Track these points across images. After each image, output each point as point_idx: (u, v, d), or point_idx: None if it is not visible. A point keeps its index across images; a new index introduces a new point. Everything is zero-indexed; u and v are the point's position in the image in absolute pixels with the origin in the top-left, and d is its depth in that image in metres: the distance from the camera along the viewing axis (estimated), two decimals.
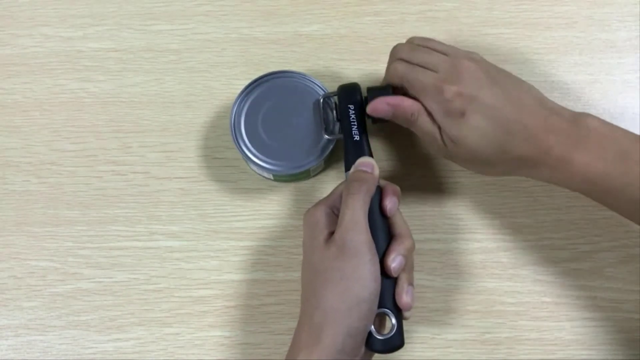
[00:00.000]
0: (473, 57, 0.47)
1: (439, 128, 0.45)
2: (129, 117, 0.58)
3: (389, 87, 0.49)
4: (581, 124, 0.43)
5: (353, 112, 0.49)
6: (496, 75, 0.46)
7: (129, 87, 0.59)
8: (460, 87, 0.44)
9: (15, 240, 0.54)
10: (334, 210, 0.45)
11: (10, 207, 0.55)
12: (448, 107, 0.44)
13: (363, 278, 0.41)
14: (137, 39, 0.60)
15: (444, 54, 0.47)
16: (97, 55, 0.60)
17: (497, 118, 0.44)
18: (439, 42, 0.49)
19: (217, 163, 0.56)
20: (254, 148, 0.52)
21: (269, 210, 0.55)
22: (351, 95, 0.50)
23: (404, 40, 0.54)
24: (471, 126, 0.44)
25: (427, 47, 0.48)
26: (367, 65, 0.58)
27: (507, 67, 0.58)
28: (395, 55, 0.49)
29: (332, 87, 0.52)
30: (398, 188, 0.47)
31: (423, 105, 0.46)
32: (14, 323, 0.52)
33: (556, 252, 0.53)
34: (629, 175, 0.41)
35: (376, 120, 0.49)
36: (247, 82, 0.53)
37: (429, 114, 0.46)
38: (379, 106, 0.47)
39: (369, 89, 0.49)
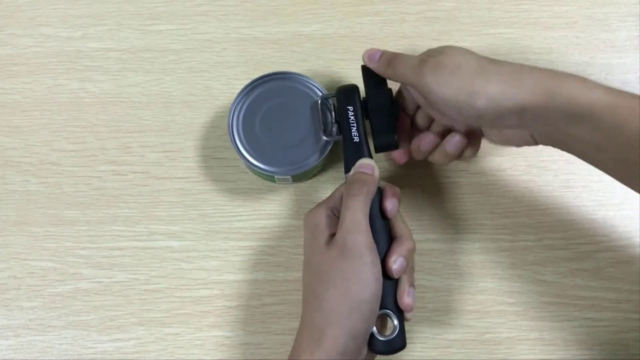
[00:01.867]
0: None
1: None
2: (129, 117, 0.58)
3: (388, 88, 0.49)
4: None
5: (352, 113, 0.49)
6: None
7: (129, 87, 0.59)
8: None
9: (15, 240, 0.54)
10: (335, 212, 0.45)
11: (10, 207, 0.55)
12: (423, 55, 0.45)
13: (364, 279, 0.41)
14: (137, 39, 0.60)
15: None
16: (97, 55, 0.60)
17: (473, 58, 0.43)
18: None
19: (217, 163, 0.56)
20: (252, 149, 0.52)
21: (269, 211, 0.55)
22: (350, 97, 0.50)
23: (403, 40, 0.54)
24: (448, 53, 0.44)
25: None
26: None
27: None
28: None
29: (333, 87, 0.52)
30: (398, 190, 0.47)
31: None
32: (14, 323, 0.52)
33: (556, 252, 0.53)
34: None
35: (382, 149, 0.49)
36: (246, 82, 0.53)
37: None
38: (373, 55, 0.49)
39: (367, 90, 0.50)
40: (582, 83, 0.40)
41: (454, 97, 0.43)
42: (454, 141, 0.47)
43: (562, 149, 0.43)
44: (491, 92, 0.41)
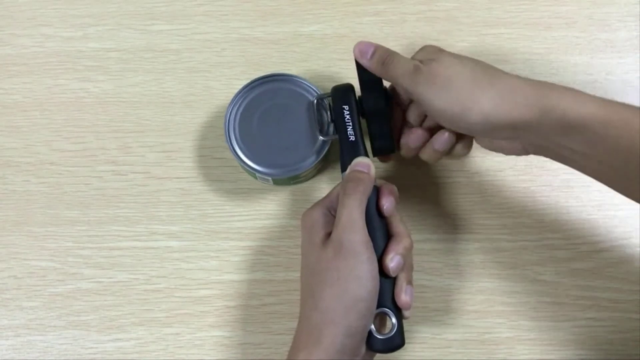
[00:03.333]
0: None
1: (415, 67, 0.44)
2: (129, 117, 0.58)
3: (381, 84, 0.49)
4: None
5: (348, 112, 0.49)
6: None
7: (129, 87, 0.59)
8: (434, 54, 0.44)
9: (15, 240, 0.54)
10: (331, 211, 0.45)
11: (10, 207, 0.55)
12: (417, 58, 0.45)
13: (360, 278, 0.41)
14: (137, 39, 0.60)
15: None
16: (97, 55, 0.60)
17: (468, 69, 0.43)
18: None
19: (217, 163, 0.56)
20: (248, 151, 0.52)
21: (268, 210, 0.55)
22: (345, 96, 0.50)
23: (403, 40, 0.54)
24: (445, 60, 0.43)
25: None
26: None
27: (507, 67, 0.57)
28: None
29: (331, 88, 0.52)
30: (395, 188, 0.46)
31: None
32: (14, 323, 0.52)
33: (556, 252, 0.53)
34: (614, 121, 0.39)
35: (380, 153, 0.49)
36: (246, 82, 0.53)
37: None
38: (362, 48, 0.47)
39: (362, 84, 0.49)
40: (576, 97, 0.40)
41: (446, 109, 0.43)
42: (443, 139, 0.46)
43: (556, 159, 0.44)
44: (484, 108, 0.41)
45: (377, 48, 0.47)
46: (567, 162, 0.43)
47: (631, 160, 0.39)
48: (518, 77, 0.43)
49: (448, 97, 0.42)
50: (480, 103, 0.41)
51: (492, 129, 0.42)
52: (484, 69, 0.43)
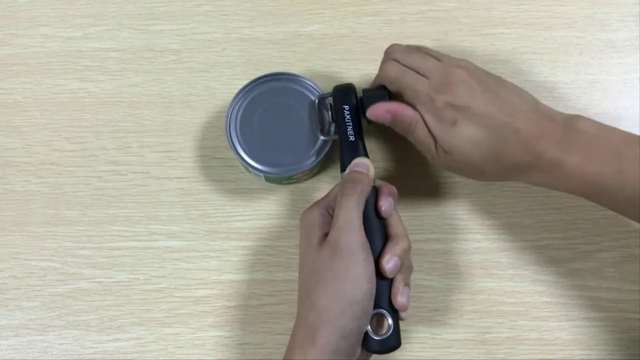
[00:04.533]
0: (465, 65, 0.46)
1: (434, 139, 0.45)
2: (129, 117, 0.58)
3: (385, 90, 0.49)
4: (573, 126, 0.43)
5: (348, 112, 0.49)
6: (488, 82, 0.45)
7: (129, 87, 0.59)
8: (451, 97, 0.44)
9: (15, 240, 0.54)
10: (330, 211, 0.45)
11: (10, 207, 0.55)
12: (440, 115, 0.44)
13: (356, 279, 0.41)
14: (137, 39, 0.60)
15: (437, 59, 0.47)
16: (97, 55, 0.60)
17: (488, 126, 0.43)
18: (432, 50, 0.49)
19: (217, 163, 0.56)
20: (249, 150, 0.52)
21: (268, 210, 0.55)
22: (346, 96, 0.50)
23: (403, 40, 0.54)
24: (463, 134, 0.44)
25: (421, 52, 0.48)
26: (367, 65, 0.58)
27: (507, 67, 0.58)
28: (389, 55, 0.50)
29: (332, 87, 0.52)
30: (394, 188, 0.46)
31: (418, 111, 0.46)
32: (14, 323, 0.52)
33: (556, 252, 0.53)
34: (623, 173, 0.41)
35: (372, 121, 0.49)
36: (245, 82, 0.53)
37: (425, 122, 0.45)
38: (378, 112, 0.47)
39: (365, 91, 0.50)
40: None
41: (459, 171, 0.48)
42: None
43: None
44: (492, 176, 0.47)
45: (395, 118, 0.47)
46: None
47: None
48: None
49: (465, 170, 0.47)
50: (490, 176, 0.47)
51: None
52: (495, 143, 0.44)
